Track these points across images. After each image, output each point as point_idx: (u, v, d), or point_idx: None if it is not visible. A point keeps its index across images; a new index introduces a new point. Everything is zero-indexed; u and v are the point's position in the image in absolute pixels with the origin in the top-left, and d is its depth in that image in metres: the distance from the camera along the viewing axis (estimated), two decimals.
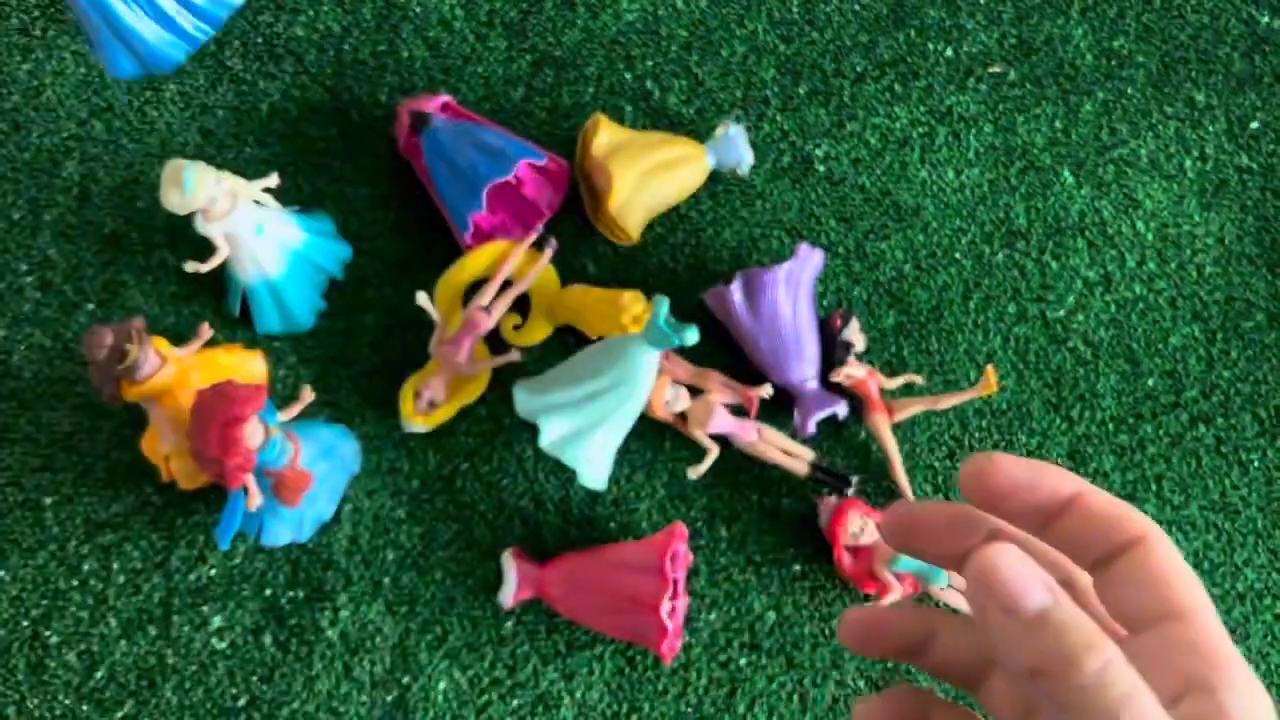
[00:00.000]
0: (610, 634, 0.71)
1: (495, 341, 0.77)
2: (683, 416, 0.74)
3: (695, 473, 0.73)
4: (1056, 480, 0.26)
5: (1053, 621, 0.23)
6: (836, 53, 0.87)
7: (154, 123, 0.83)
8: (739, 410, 0.75)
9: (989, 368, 0.75)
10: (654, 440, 0.77)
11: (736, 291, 0.75)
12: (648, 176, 0.77)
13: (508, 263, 0.76)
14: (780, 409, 0.77)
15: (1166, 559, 0.26)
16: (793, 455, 0.75)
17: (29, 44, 0.85)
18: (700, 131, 0.83)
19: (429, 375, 0.74)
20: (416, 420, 0.74)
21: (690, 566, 0.73)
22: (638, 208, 0.77)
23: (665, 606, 0.67)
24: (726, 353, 0.78)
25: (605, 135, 0.77)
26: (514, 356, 0.75)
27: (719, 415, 0.73)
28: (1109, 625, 0.26)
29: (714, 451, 0.73)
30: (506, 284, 0.76)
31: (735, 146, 0.79)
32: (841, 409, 0.75)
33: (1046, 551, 0.27)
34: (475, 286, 0.77)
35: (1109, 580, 0.26)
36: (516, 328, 0.77)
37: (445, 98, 0.78)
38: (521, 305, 0.78)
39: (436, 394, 0.74)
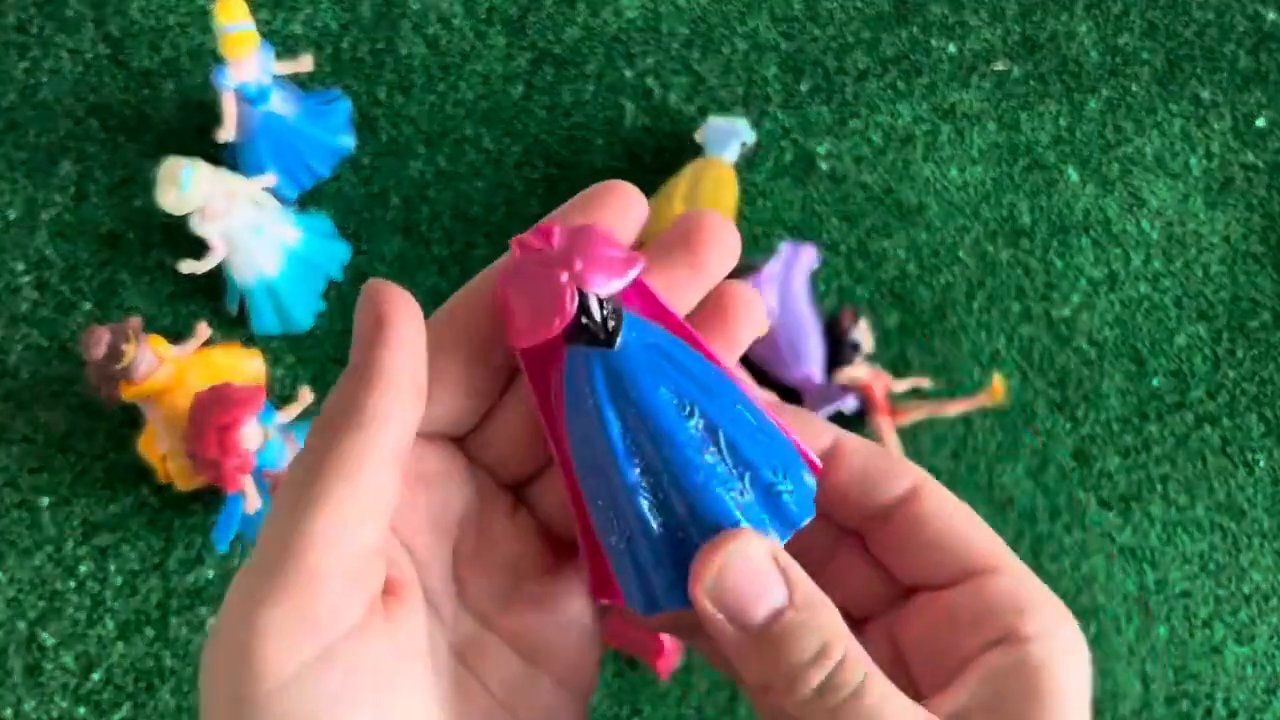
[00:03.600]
0: (609, 643, 0.71)
1: None
2: None
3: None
4: (807, 433, 0.25)
5: (779, 631, 0.21)
6: (839, 50, 0.87)
7: (151, 121, 0.83)
8: None
9: (995, 377, 0.74)
10: None
11: None
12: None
13: None
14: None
15: (944, 509, 0.24)
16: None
17: (26, 42, 0.85)
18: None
19: None
20: None
21: None
22: None
23: None
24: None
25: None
26: None
27: None
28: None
29: None
30: None
31: (722, 128, 0.79)
32: (847, 403, 0.75)
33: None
34: None
35: (887, 542, 0.25)
36: None
37: (636, 267, 0.27)
38: None
39: None
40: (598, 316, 0.23)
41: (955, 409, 0.76)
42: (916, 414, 0.76)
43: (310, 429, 0.22)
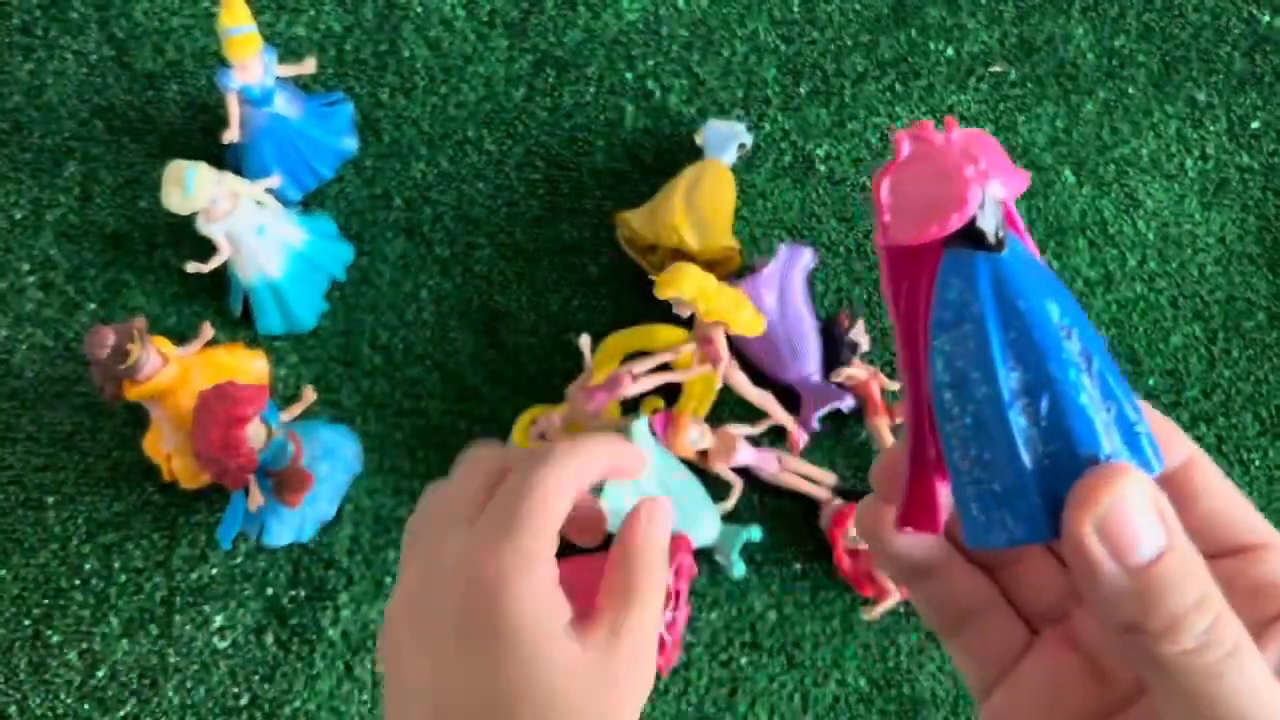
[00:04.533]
0: None
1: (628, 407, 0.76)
2: (703, 453, 0.74)
3: (724, 509, 0.73)
4: None
5: (1161, 574, 0.21)
6: (837, 52, 0.87)
7: (155, 122, 0.83)
8: (757, 441, 0.75)
9: None
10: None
11: None
12: (692, 209, 0.77)
13: (679, 351, 0.74)
14: (788, 405, 0.77)
15: (1218, 483, 0.25)
16: (815, 481, 0.75)
17: (31, 44, 0.85)
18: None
19: (553, 410, 0.73)
20: (522, 446, 0.74)
21: (694, 577, 0.73)
22: (700, 234, 0.77)
23: (665, 618, 0.67)
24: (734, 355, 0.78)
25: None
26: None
27: (741, 449, 0.72)
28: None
29: (738, 485, 0.73)
30: (666, 366, 0.74)
31: (720, 130, 0.80)
32: (846, 403, 0.75)
33: None
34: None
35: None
36: (655, 411, 0.74)
37: (1028, 178, 0.29)
38: (671, 394, 0.75)
39: (550, 429, 0.73)
40: (993, 221, 0.22)
41: None
42: None
43: None
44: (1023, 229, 0.24)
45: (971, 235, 0.22)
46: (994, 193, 0.22)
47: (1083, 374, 0.22)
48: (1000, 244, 0.22)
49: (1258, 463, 0.79)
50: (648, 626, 0.33)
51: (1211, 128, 0.86)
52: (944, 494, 0.24)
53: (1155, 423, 0.24)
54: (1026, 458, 0.22)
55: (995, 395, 0.22)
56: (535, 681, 0.31)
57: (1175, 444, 0.25)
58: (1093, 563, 0.21)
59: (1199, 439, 0.79)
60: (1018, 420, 0.22)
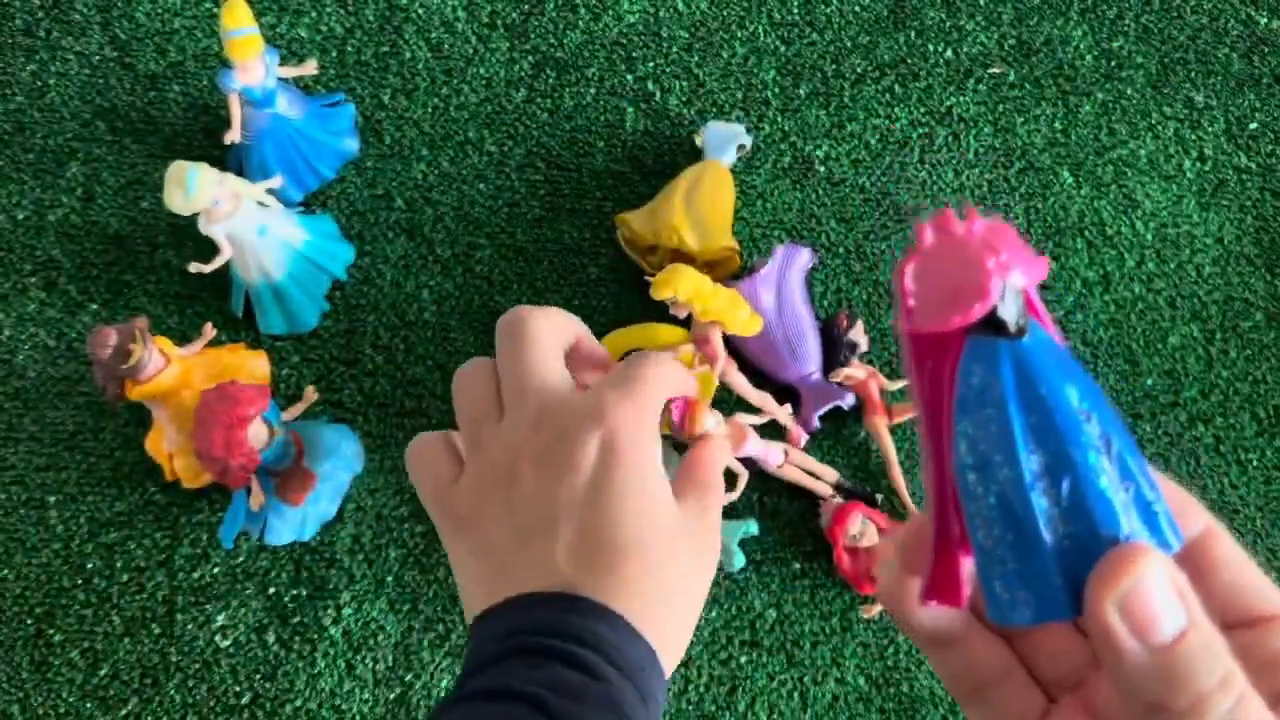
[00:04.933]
0: None
1: None
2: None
3: (729, 498, 0.73)
4: None
5: (1184, 653, 0.21)
6: (836, 54, 0.88)
7: (157, 123, 0.84)
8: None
9: None
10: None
11: None
12: (691, 209, 0.77)
13: (678, 351, 0.74)
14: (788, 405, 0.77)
15: (1236, 554, 0.25)
16: (817, 476, 0.75)
17: (33, 45, 0.86)
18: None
19: None
20: None
21: None
22: (699, 234, 0.77)
23: None
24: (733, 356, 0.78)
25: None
26: None
27: (751, 439, 0.73)
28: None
29: (744, 475, 0.73)
30: None
31: (720, 132, 0.80)
32: (847, 400, 0.75)
33: None
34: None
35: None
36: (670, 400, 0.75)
37: (1046, 267, 0.28)
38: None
39: None
40: (1014, 309, 0.23)
41: None
42: (912, 413, 0.77)
43: None
44: (1043, 314, 0.24)
45: (993, 324, 0.23)
46: (1015, 283, 0.23)
47: (1102, 457, 0.23)
48: (1021, 331, 0.23)
49: (1255, 463, 0.79)
50: (719, 512, 0.41)
51: (1209, 129, 0.87)
52: (967, 567, 0.24)
53: (1172, 495, 0.25)
54: (1048, 538, 0.22)
55: (1018, 478, 0.22)
56: (658, 520, 0.38)
57: (1192, 515, 0.25)
58: (1116, 642, 0.22)
59: (1197, 439, 0.80)
60: (1039, 502, 0.22)
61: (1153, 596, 0.21)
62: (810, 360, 0.76)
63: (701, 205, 0.77)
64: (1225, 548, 0.25)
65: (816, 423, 0.75)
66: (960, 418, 0.23)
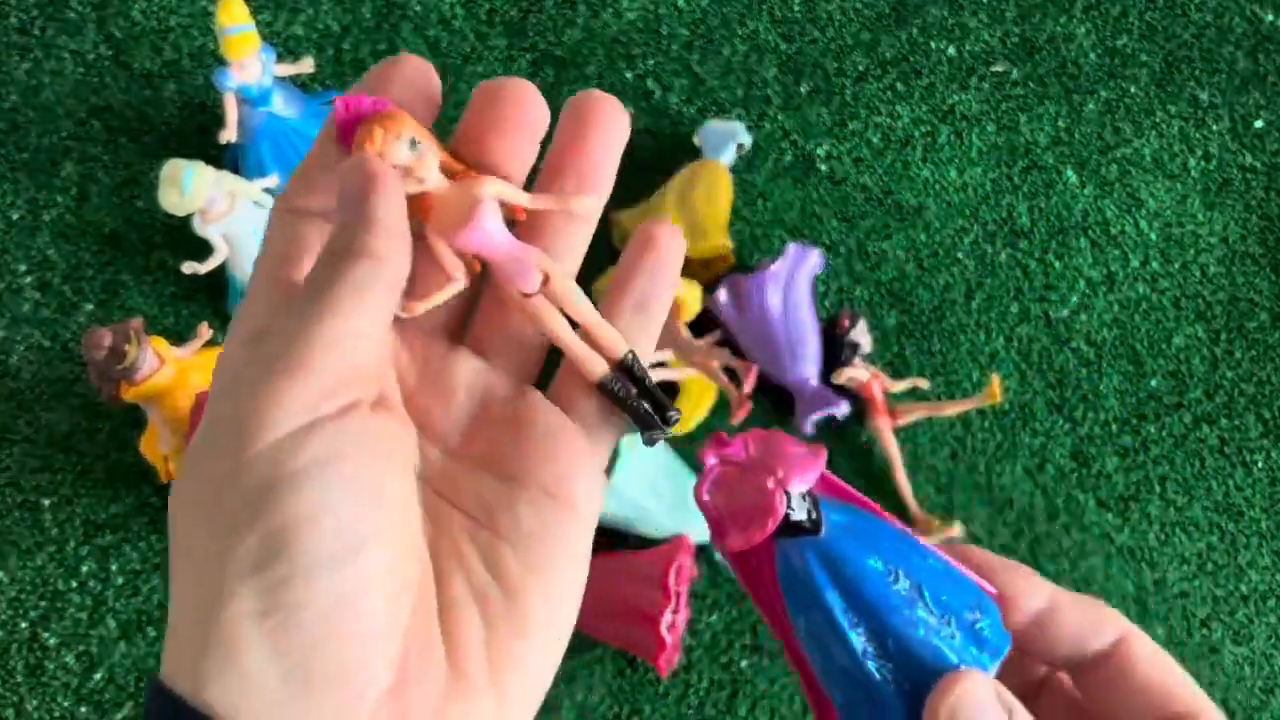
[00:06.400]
0: (609, 643, 0.71)
1: None
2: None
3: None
4: (1025, 591, 0.27)
5: None
6: (838, 51, 0.87)
7: (153, 122, 0.83)
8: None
9: (994, 377, 0.74)
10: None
11: (723, 297, 0.75)
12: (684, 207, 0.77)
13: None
14: (782, 408, 0.76)
15: (1150, 657, 0.27)
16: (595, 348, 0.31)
17: (27, 43, 0.85)
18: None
19: None
20: None
21: (694, 579, 0.72)
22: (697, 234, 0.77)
23: (666, 620, 0.67)
24: (731, 352, 0.78)
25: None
26: None
27: (483, 222, 0.30)
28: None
29: (459, 278, 0.33)
30: (662, 364, 0.74)
31: (718, 131, 0.80)
32: (841, 409, 0.75)
33: None
34: None
35: (1096, 685, 0.27)
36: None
37: (822, 458, 0.28)
38: (670, 394, 0.75)
39: None
40: (804, 510, 0.26)
41: (953, 409, 0.76)
42: (915, 414, 0.76)
43: (319, 260, 0.25)
44: (837, 484, 0.28)
45: (790, 529, 0.26)
46: (797, 489, 0.26)
47: (915, 607, 0.26)
48: (817, 526, 0.26)
49: (1260, 465, 0.79)
50: None
51: (1214, 127, 0.86)
52: None
53: (1084, 608, 0.27)
54: (891, 690, 0.25)
55: (850, 653, 0.25)
56: None
57: (1108, 623, 0.27)
58: None
59: (1201, 441, 0.79)
60: (875, 665, 0.26)
61: (974, 714, 0.24)
62: (809, 364, 0.75)
63: (695, 204, 0.76)
64: (1141, 649, 0.27)
65: (810, 428, 0.74)
66: (792, 615, 0.26)
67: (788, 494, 0.26)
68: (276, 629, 0.22)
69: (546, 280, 0.29)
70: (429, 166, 0.28)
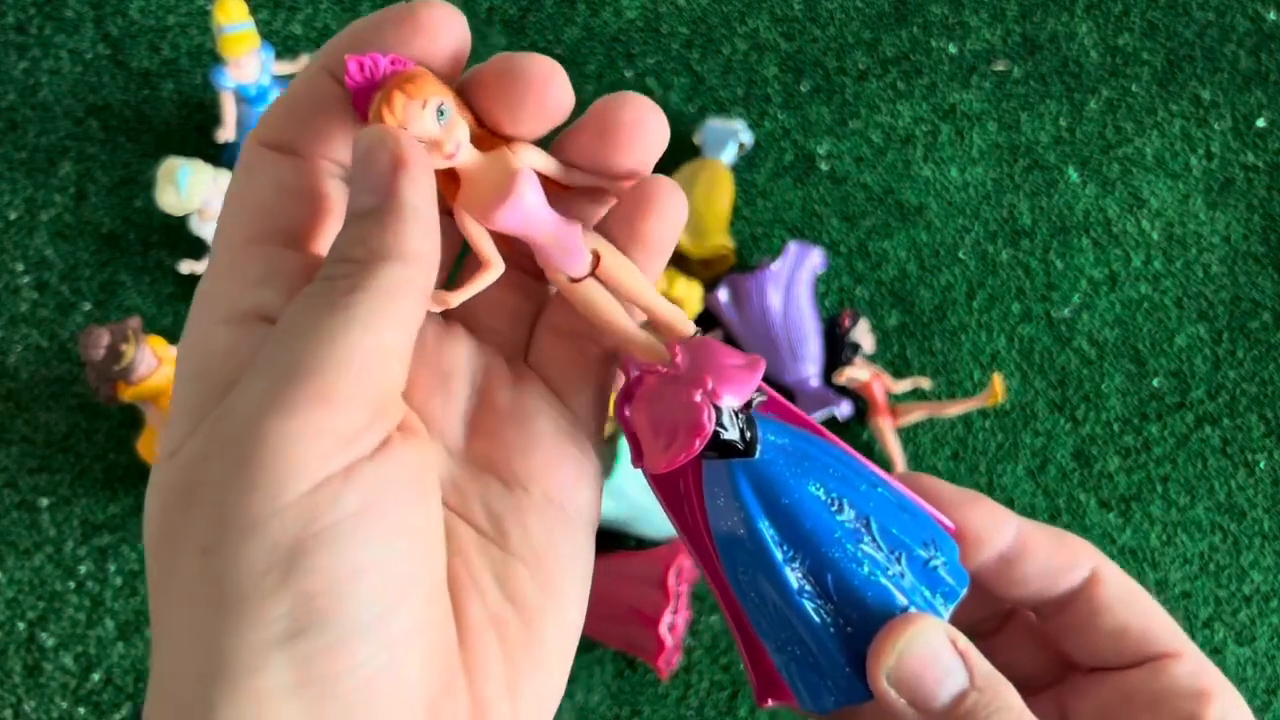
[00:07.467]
0: (609, 644, 0.71)
1: None
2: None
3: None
4: (988, 527, 0.24)
5: (965, 715, 0.22)
6: (839, 50, 0.87)
7: (151, 121, 0.83)
8: None
9: (996, 377, 0.74)
10: None
11: (723, 296, 0.75)
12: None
13: None
14: None
15: (1124, 594, 0.25)
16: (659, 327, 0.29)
17: (25, 42, 0.85)
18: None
19: None
20: None
21: (695, 580, 0.72)
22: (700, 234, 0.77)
23: (666, 621, 0.67)
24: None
25: None
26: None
27: (523, 196, 0.26)
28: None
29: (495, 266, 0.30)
30: None
31: (718, 130, 0.79)
32: (841, 409, 0.74)
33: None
34: None
35: (1065, 624, 0.25)
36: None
37: (759, 371, 0.24)
38: None
39: None
40: (736, 429, 0.22)
41: (955, 409, 0.76)
42: (916, 414, 0.76)
43: (334, 255, 0.21)
44: (781, 402, 0.24)
45: (720, 447, 0.22)
46: (730, 404, 0.22)
47: (861, 542, 0.23)
48: (751, 447, 0.23)
49: (1263, 464, 0.78)
50: None
51: (1216, 126, 0.86)
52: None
53: (1053, 544, 0.24)
54: (829, 633, 0.23)
55: (784, 589, 0.23)
56: None
57: (1080, 558, 0.25)
58: (897, 713, 0.22)
59: (1203, 441, 0.79)
60: (811, 604, 0.23)
61: (924, 663, 0.22)
62: (810, 364, 0.75)
63: (695, 203, 0.76)
64: (1114, 587, 0.25)
65: None
66: (720, 546, 0.23)
67: (718, 409, 0.22)
68: (313, 703, 0.19)
69: (597, 261, 0.24)
70: (459, 139, 0.23)
